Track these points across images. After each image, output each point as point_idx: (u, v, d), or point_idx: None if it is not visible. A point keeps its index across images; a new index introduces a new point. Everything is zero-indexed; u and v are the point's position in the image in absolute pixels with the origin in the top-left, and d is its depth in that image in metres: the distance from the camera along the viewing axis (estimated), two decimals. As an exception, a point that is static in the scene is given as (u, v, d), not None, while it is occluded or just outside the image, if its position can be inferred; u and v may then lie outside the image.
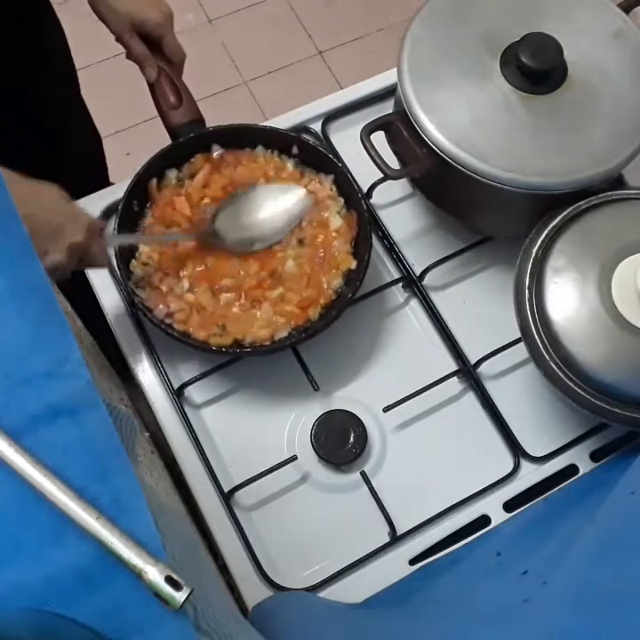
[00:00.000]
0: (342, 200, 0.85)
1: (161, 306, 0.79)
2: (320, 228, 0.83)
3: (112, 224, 0.82)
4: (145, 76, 0.87)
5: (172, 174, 0.84)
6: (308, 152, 0.86)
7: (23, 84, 0.94)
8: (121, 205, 0.81)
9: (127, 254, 0.81)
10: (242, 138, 0.86)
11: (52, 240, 0.66)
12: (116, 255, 0.79)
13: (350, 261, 0.82)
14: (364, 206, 0.82)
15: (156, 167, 0.83)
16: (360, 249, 0.82)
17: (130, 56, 0.86)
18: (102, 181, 1.01)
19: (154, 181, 0.83)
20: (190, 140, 0.84)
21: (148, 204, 0.84)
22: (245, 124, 0.86)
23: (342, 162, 0.86)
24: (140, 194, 0.83)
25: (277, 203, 0.83)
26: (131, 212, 0.82)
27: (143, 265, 0.81)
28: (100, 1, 0.83)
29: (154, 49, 0.86)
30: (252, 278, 0.80)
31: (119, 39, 0.85)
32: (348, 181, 0.84)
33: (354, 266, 0.81)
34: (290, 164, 0.86)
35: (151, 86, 0.87)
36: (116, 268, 0.81)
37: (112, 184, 0.93)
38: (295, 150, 0.86)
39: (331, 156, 0.85)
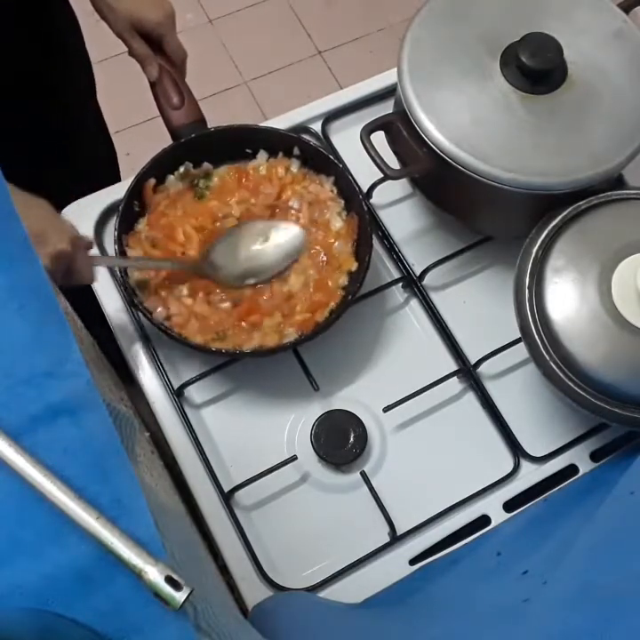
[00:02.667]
0: (343, 202, 0.85)
1: (160, 308, 0.79)
2: (321, 230, 0.83)
3: (113, 224, 0.82)
4: (146, 75, 0.86)
5: (171, 180, 0.84)
6: (309, 153, 0.86)
7: (35, 77, 0.94)
8: (122, 206, 0.81)
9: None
10: (243, 139, 0.86)
11: (35, 246, 0.65)
12: (116, 255, 0.79)
13: (352, 262, 0.82)
14: (365, 208, 0.82)
15: (158, 167, 0.83)
16: (361, 250, 0.82)
17: (132, 54, 0.86)
18: (113, 179, 1.01)
19: (151, 182, 0.83)
20: (192, 141, 0.84)
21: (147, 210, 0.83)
22: (246, 125, 0.86)
23: (343, 162, 0.86)
24: (140, 194, 0.83)
25: (272, 239, 0.82)
26: (131, 212, 0.82)
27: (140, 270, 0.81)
28: (100, 0, 0.83)
29: (156, 48, 0.86)
30: (257, 302, 0.80)
31: (120, 38, 0.85)
32: (348, 182, 0.84)
33: (354, 267, 0.81)
34: (294, 167, 0.86)
35: (153, 86, 0.87)
36: (125, 289, 0.81)
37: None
38: (297, 151, 0.86)
39: (331, 157, 0.85)
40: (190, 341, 0.77)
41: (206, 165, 0.86)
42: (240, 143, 0.86)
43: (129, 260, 0.81)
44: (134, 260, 0.81)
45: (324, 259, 0.82)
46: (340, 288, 0.81)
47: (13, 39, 0.88)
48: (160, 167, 0.84)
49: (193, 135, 0.84)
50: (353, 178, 0.84)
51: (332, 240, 0.83)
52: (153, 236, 0.82)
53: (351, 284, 0.81)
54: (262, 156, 0.86)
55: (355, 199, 0.83)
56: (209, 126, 0.86)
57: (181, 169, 0.84)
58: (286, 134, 0.86)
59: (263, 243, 0.82)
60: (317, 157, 0.85)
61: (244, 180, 0.85)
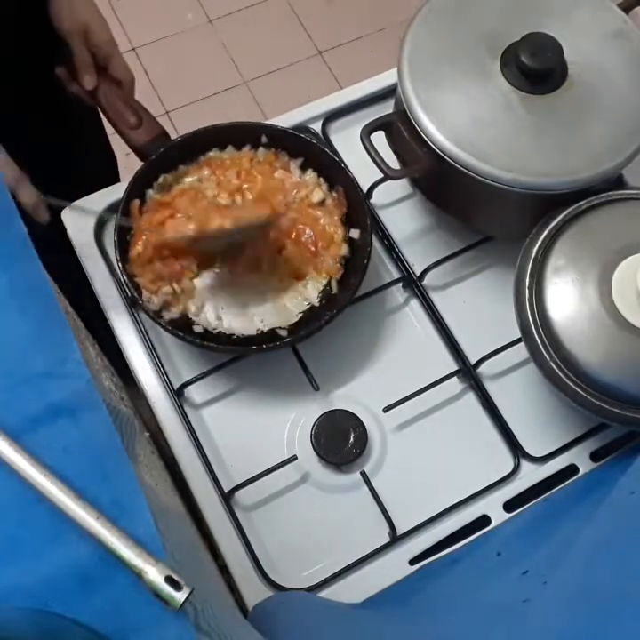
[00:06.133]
0: (321, 179, 0.85)
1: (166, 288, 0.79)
2: (302, 210, 0.84)
3: (113, 224, 0.82)
4: (83, 83, 0.86)
5: (150, 194, 0.83)
6: (277, 138, 0.85)
7: (34, 77, 0.94)
8: (121, 206, 0.81)
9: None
10: (210, 139, 0.85)
11: None
12: (117, 261, 0.79)
13: (345, 233, 0.83)
14: (350, 176, 0.83)
15: (139, 189, 0.83)
16: (357, 219, 0.82)
17: (74, 58, 0.85)
18: (113, 180, 1.01)
19: (136, 203, 0.82)
20: (161, 156, 0.83)
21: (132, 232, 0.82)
22: (210, 126, 0.84)
23: (342, 161, 0.86)
24: (140, 194, 0.83)
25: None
26: (131, 212, 0.82)
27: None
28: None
29: (101, 72, 0.86)
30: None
31: (68, 37, 0.84)
32: (325, 156, 0.84)
33: (357, 235, 0.82)
34: (260, 155, 0.86)
35: (104, 111, 0.87)
36: (118, 268, 0.81)
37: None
38: (264, 139, 0.85)
39: (301, 135, 0.85)
40: (191, 338, 0.77)
41: (181, 168, 0.85)
42: (208, 143, 0.85)
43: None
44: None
45: (311, 234, 0.83)
46: (340, 260, 0.82)
47: (12, 39, 0.88)
48: (140, 188, 0.83)
49: (161, 150, 0.83)
50: (338, 157, 0.84)
51: (319, 214, 0.83)
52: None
53: (357, 253, 0.81)
54: (230, 150, 0.86)
55: (338, 171, 0.83)
56: (202, 128, 0.85)
57: (160, 179, 0.84)
58: (250, 124, 0.85)
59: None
60: (287, 139, 0.85)
61: (208, 170, 0.85)
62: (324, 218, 0.84)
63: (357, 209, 0.82)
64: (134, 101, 0.87)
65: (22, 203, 0.72)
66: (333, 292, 0.81)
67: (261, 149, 0.86)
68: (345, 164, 0.85)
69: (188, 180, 0.85)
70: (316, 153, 0.85)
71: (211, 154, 0.85)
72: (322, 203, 0.85)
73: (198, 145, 0.85)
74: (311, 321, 0.79)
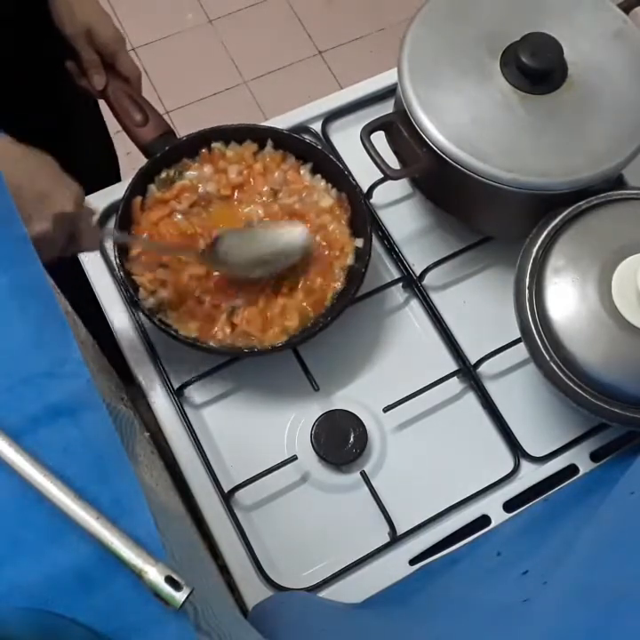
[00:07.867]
0: (329, 184, 0.85)
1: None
2: (309, 214, 0.83)
3: (113, 223, 0.82)
4: (93, 83, 0.86)
5: (152, 189, 0.83)
6: (283, 141, 0.85)
7: (35, 77, 0.94)
8: (121, 206, 0.81)
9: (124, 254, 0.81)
10: (214, 139, 0.85)
11: (37, 205, 0.62)
12: (115, 257, 0.79)
13: (353, 240, 0.82)
14: (353, 182, 0.82)
15: (141, 185, 0.83)
16: (359, 226, 0.82)
17: (82, 60, 0.85)
18: (113, 179, 1.01)
19: (137, 200, 0.82)
20: (166, 154, 0.83)
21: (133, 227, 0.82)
22: (216, 127, 0.85)
23: (342, 162, 0.87)
24: (142, 190, 0.83)
25: (280, 235, 0.81)
26: (131, 212, 0.82)
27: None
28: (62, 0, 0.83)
29: (108, 68, 0.86)
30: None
31: (73, 40, 0.84)
32: (329, 161, 0.84)
33: (361, 244, 0.81)
34: (267, 153, 0.86)
35: (112, 108, 0.87)
36: (117, 269, 0.81)
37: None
38: (270, 143, 0.85)
39: (308, 139, 0.86)
40: (189, 339, 0.77)
41: (185, 161, 0.85)
42: (212, 142, 0.85)
43: (133, 237, 0.81)
44: (139, 239, 0.81)
45: (327, 249, 0.82)
46: (345, 271, 0.81)
47: (12, 41, 0.88)
48: (142, 185, 0.83)
49: (166, 148, 0.83)
50: (338, 157, 0.84)
51: (327, 221, 0.83)
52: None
53: (358, 261, 0.81)
54: (233, 145, 0.86)
55: (341, 178, 0.83)
56: (203, 129, 0.85)
57: (163, 175, 0.84)
58: (255, 126, 0.85)
59: (273, 242, 0.81)
60: (292, 143, 0.85)
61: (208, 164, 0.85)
62: (333, 225, 0.83)
63: (359, 216, 0.82)
64: (141, 98, 0.87)
65: (83, 234, 0.70)
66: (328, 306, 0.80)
67: (268, 148, 0.86)
68: (349, 171, 0.85)
69: (188, 173, 0.84)
70: (320, 158, 0.85)
71: (214, 144, 0.85)
72: (330, 209, 0.84)
73: (203, 145, 0.85)
74: (307, 326, 0.79)
